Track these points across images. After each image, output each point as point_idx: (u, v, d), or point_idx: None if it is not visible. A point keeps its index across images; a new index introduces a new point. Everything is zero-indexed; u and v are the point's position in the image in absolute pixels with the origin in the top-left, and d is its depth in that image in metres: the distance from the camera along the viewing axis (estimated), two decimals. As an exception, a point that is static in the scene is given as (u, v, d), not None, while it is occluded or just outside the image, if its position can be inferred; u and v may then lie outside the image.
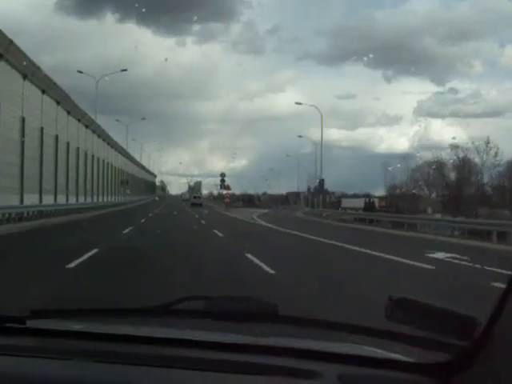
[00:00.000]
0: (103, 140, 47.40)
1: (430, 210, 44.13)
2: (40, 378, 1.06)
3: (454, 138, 69.06)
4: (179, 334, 1.37)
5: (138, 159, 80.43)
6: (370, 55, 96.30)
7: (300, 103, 49.21)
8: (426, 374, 1.06)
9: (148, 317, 1.49)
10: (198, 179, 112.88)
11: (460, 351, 1.01)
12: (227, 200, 59.02)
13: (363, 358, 1.17)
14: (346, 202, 57.61)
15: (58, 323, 1.45)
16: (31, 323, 1.34)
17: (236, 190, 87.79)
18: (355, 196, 62.83)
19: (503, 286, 0.96)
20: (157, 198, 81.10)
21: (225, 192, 60.31)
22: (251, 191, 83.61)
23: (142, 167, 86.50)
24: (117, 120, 59.26)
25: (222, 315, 1.30)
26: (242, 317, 1.28)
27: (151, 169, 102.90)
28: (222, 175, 58.54)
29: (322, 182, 45.40)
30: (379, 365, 1.13)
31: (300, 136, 59.84)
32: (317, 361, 1.16)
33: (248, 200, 72.85)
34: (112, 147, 52.79)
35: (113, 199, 51.91)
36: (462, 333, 1.05)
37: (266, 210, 54.69)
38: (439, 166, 55.55)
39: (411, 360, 1.16)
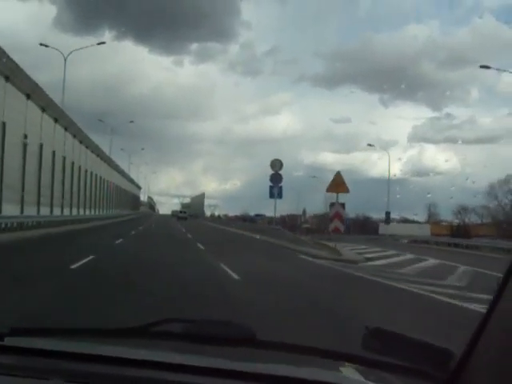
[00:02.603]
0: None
1: None
2: None
3: (447, 161, 68.58)
4: (158, 356, 1.36)
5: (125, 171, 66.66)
6: (367, 79, 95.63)
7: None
8: None
9: (128, 338, 1.48)
10: (188, 200, 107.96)
11: (436, 382, 1.02)
12: (336, 228, 22.61)
13: None
14: (386, 229, 40.33)
15: (37, 342, 1.43)
16: (9, 340, 1.32)
17: (230, 212, 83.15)
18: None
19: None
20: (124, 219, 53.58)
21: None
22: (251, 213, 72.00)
23: (112, 165, 59.82)
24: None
25: (202, 339, 1.29)
26: (221, 341, 1.27)
27: (140, 187, 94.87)
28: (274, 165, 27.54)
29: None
30: None
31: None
32: None
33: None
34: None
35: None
36: (438, 364, 1.05)
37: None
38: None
39: None
